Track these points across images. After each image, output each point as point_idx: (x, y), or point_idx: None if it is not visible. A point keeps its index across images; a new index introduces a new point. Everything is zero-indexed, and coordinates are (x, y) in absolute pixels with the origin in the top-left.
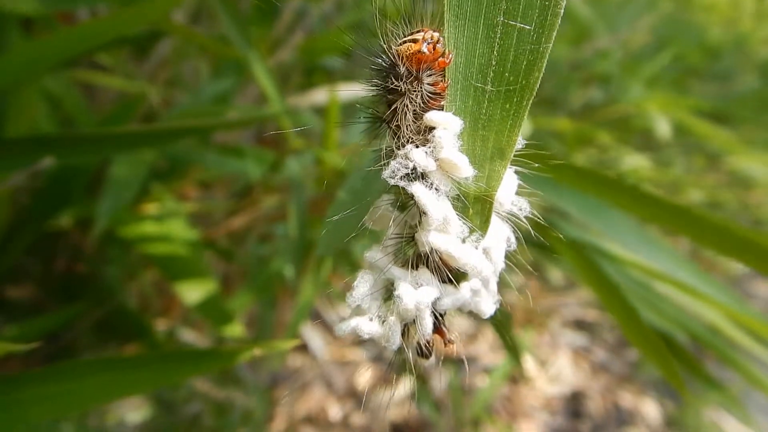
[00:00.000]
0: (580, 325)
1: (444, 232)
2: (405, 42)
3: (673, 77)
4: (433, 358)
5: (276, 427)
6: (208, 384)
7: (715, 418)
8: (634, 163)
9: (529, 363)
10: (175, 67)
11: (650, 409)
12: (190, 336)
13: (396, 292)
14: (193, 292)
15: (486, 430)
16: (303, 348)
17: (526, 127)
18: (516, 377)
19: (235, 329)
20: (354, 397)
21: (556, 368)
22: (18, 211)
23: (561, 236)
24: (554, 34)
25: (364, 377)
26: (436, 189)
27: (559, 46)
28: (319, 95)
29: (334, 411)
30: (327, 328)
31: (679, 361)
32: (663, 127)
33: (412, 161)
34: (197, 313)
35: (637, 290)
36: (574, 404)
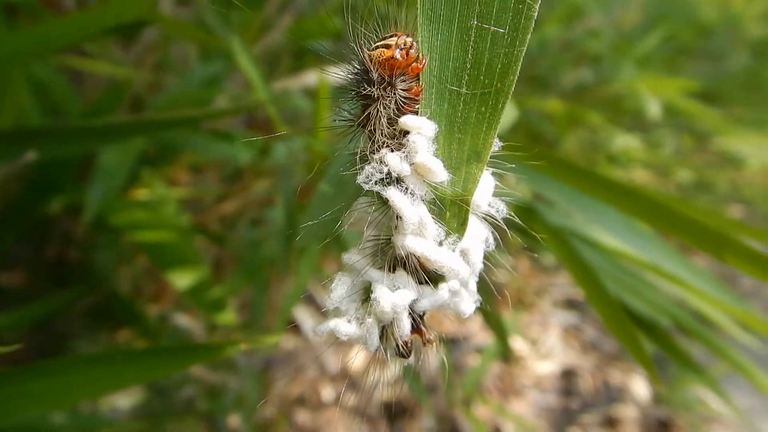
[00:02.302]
0: (570, 304)
1: (420, 235)
2: (377, 47)
3: (664, 57)
4: (412, 357)
5: (269, 409)
6: (201, 368)
7: (701, 395)
8: (625, 143)
9: (520, 342)
10: (163, 51)
11: (639, 386)
12: (183, 320)
13: (373, 295)
14: (184, 279)
15: (477, 409)
16: (295, 329)
17: (511, 113)
18: (507, 356)
19: (228, 317)
20: (347, 377)
21: (546, 347)
22: (7, 200)
23: (544, 223)
24: (528, 37)
25: (357, 358)
26: (411, 193)
27: (550, 26)
28: (309, 77)
29: (327, 392)
30: (319, 309)
31: (662, 345)
32: (653, 108)
33: (386, 166)
34: (189, 300)
35: (622, 277)
36: (564, 382)
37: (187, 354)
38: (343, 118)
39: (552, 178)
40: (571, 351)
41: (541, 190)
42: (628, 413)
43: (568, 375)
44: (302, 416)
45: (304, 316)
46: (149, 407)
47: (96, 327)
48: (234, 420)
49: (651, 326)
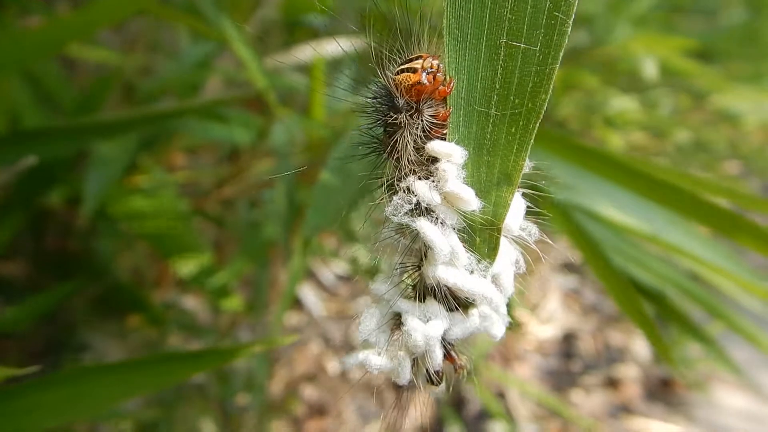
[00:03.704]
0: (569, 267)
1: (451, 265)
2: (403, 71)
3: (659, 15)
4: (443, 385)
5: (276, 386)
6: None
7: (702, 353)
8: (621, 105)
9: (521, 308)
10: (154, 33)
11: (639, 346)
12: (189, 302)
13: (404, 328)
14: (188, 266)
15: (482, 376)
16: (298, 305)
17: None
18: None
19: (233, 302)
20: (352, 350)
21: (547, 311)
22: (5, 193)
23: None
24: (561, 54)
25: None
26: (441, 223)
27: None
28: (303, 52)
29: (333, 365)
30: (320, 284)
31: (664, 311)
32: (649, 68)
33: (415, 196)
34: (193, 286)
35: (625, 248)
36: (565, 345)
37: (200, 359)
38: (367, 143)
39: (549, 153)
40: (572, 314)
41: (541, 166)
42: (629, 373)
43: (568, 338)
44: (309, 391)
45: (306, 291)
46: (160, 393)
47: (103, 316)
48: (244, 400)
49: (653, 294)
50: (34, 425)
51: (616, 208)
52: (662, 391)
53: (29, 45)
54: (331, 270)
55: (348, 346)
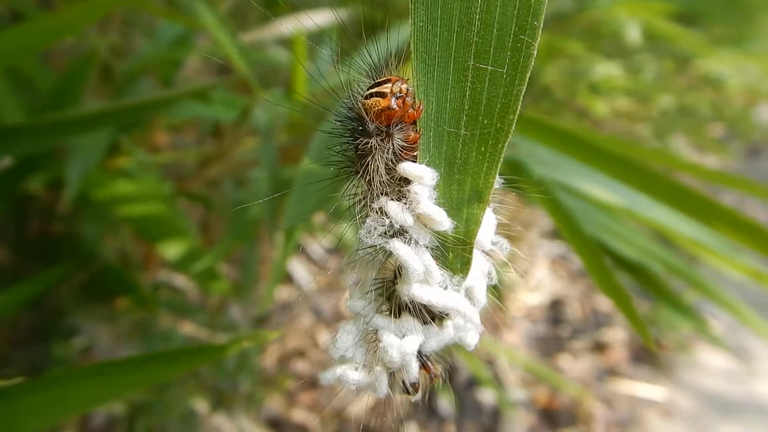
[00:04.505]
0: (556, 234)
1: (425, 283)
2: (372, 96)
3: None
4: (419, 394)
5: (268, 360)
6: (200, 331)
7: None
8: (606, 71)
9: (510, 275)
10: (128, 11)
11: None
12: (178, 281)
13: (381, 344)
14: (173, 250)
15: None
16: (288, 278)
17: None
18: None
19: (221, 285)
20: (342, 322)
21: (535, 278)
22: None
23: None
24: (528, 75)
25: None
26: (415, 242)
27: None
28: (283, 26)
29: (324, 337)
30: (310, 258)
31: (647, 284)
32: (633, 33)
33: (388, 218)
34: (180, 270)
35: (608, 224)
36: (553, 311)
37: (188, 357)
38: (337, 163)
39: (530, 138)
40: (559, 281)
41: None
42: (616, 337)
43: (556, 304)
44: (300, 365)
45: (295, 265)
46: None
47: (90, 300)
48: (237, 377)
49: (634, 266)
50: (24, 427)
51: (594, 187)
52: (648, 354)
53: (11, 46)
54: (320, 243)
55: (339, 319)
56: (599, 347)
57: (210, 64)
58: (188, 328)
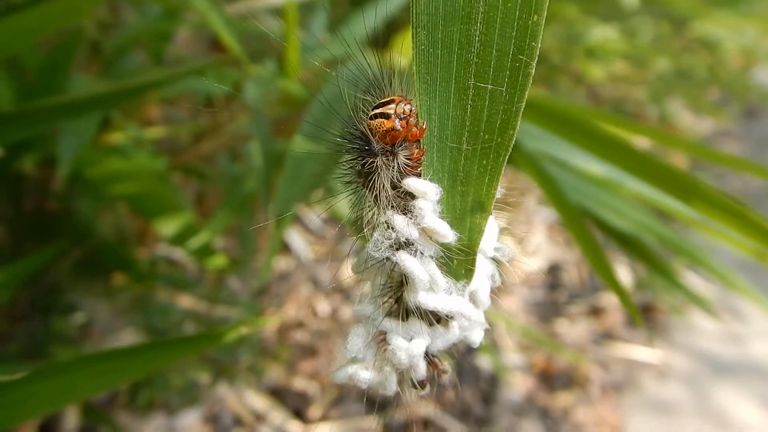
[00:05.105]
0: None
1: (431, 291)
2: (376, 116)
3: None
4: (427, 389)
5: (268, 330)
6: (199, 303)
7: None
8: (602, 35)
9: (508, 242)
10: None
11: (623, 274)
12: (177, 254)
13: (390, 347)
14: (169, 226)
15: None
16: (285, 249)
17: None
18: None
19: (218, 260)
20: (340, 292)
21: (533, 245)
22: None
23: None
24: (526, 93)
25: (348, 271)
26: (420, 254)
27: None
28: None
29: (323, 307)
30: (307, 229)
31: (641, 257)
32: None
33: (394, 231)
34: (176, 245)
35: (602, 197)
36: (551, 277)
37: (188, 344)
38: (344, 178)
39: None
40: (556, 246)
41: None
42: (611, 301)
43: (554, 270)
44: (300, 335)
45: (293, 236)
46: None
47: (88, 276)
48: (237, 351)
49: (626, 237)
50: (29, 414)
51: (585, 161)
52: (643, 317)
53: (8, 35)
54: (317, 214)
55: (337, 288)
56: (595, 311)
57: (200, 36)
58: (186, 302)
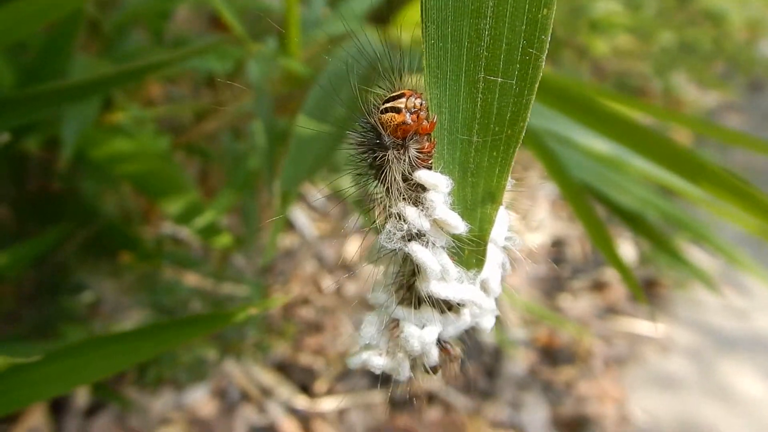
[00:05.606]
0: None
1: (443, 280)
2: (387, 110)
3: None
4: (439, 374)
5: (273, 309)
6: (205, 281)
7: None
8: (606, 8)
9: (511, 217)
10: None
11: (626, 249)
12: (183, 233)
13: (402, 334)
14: (173, 205)
15: None
16: (290, 226)
17: None
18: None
19: (224, 239)
20: (345, 268)
21: (536, 220)
22: None
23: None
24: (536, 86)
25: (353, 248)
26: (432, 244)
27: None
28: None
29: (327, 284)
30: (311, 206)
31: (645, 234)
32: None
33: (406, 223)
34: (181, 224)
35: (605, 174)
36: (554, 252)
37: (198, 325)
38: (355, 170)
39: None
40: (560, 221)
41: None
42: (615, 276)
43: (557, 244)
44: (305, 311)
45: (297, 213)
46: None
47: (94, 256)
48: (243, 328)
49: (630, 214)
50: (44, 393)
51: (588, 138)
52: (646, 292)
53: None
54: (320, 191)
55: (341, 265)
56: (599, 286)
57: (200, 13)
58: (192, 280)
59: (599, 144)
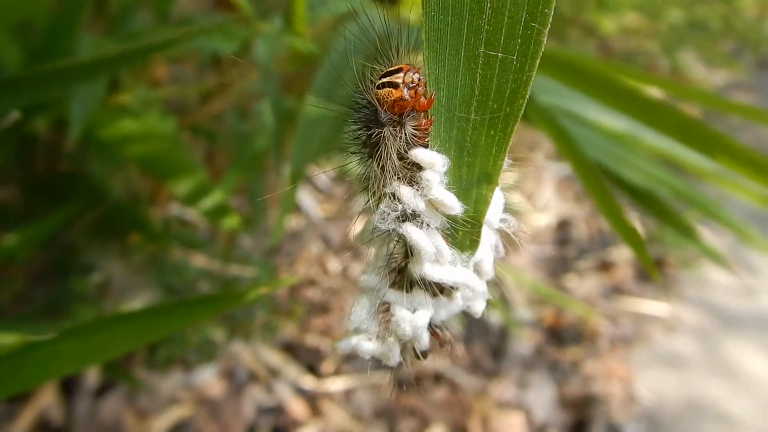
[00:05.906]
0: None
1: (436, 263)
2: (384, 85)
3: None
4: (429, 358)
5: (280, 289)
6: (213, 263)
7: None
8: None
9: (517, 198)
10: None
11: None
12: (190, 214)
13: (393, 318)
14: (181, 186)
15: None
16: (295, 208)
17: None
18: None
19: (232, 221)
20: (351, 249)
21: (542, 201)
22: None
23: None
24: (537, 62)
25: (358, 229)
26: (426, 225)
27: None
28: None
29: (333, 265)
30: (316, 188)
31: (654, 211)
32: None
33: (400, 203)
34: (189, 205)
35: (615, 150)
36: (560, 233)
37: (208, 305)
38: (349, 148)
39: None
40: (565, 202)
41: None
42: (621, 255)
43: (563, 225)
44: (311, 292)
45: (302, 194)
46: None
47: (103, 237)
48: (251, 309)
49: (641, 192)
50: (57, 372)
51: (599, 114)
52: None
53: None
54: (326, 173)
55: (347, 247)
56: (605, 266)
57: None
58: (200, 260)
59: (610, 120)
